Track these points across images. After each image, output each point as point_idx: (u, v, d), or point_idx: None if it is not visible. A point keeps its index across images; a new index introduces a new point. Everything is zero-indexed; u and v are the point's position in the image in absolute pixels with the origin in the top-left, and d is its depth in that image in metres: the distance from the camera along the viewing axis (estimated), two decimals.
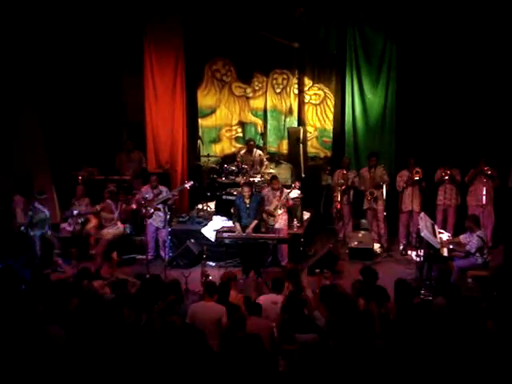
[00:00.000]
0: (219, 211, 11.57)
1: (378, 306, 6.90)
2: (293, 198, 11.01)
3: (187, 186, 11.29)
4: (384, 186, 11.22)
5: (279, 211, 10.56)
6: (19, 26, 11.64)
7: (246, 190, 9.93)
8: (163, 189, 11.01)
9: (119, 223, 10.69)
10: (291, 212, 10.99)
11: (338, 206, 11.43)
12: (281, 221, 10.55)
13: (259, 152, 12.27)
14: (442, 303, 6.71)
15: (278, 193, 10.67)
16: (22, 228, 10.28)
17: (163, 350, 5.94)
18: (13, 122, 11.91)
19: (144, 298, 7.13)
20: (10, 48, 11.64)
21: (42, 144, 12.28)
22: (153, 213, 10.62)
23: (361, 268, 7.99)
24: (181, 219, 11.89)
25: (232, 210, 10.33)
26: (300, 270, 9.22)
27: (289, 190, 10.79)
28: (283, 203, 10.57)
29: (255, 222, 9.90)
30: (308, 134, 13.02)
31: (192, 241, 10.91)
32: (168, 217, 10.82)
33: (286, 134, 12.94)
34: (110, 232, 10.56)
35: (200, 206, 12.06)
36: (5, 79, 11.74)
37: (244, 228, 9.88)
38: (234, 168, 11.86)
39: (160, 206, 10.67)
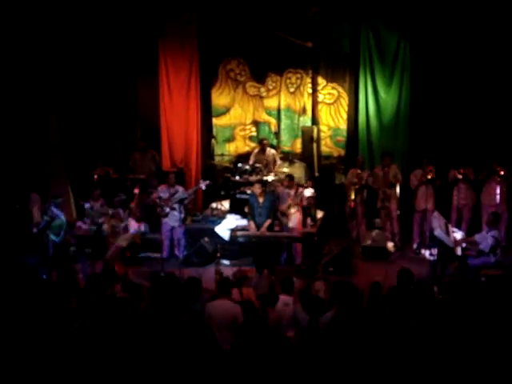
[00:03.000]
0: (233, 210, 11.62)
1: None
2: (307, 198, 11.05)
3: (203, 186, 11.34)
4: (397, 185, 11.24)
5: (292, 210, 10.59)
6: (36, 28, 11.80)
7: (258, 187, 10.06)
8: (179, 188, 11.07)
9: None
10: (305, 211, 11.01)
11: (352, 205, 11.47)
12: (294, 219, 10.56)
13: (273, 151, 12.31)
14: None
15: (291, 192, 10.72)
16: (35, 230, 10.32)
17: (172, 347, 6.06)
18: (29, 121, 12.06)
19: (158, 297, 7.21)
20: (27, 49, 11.80)
21: (58, 143, 12.41)
22: (168, 212, 10.70)
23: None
24: (195, 218, 11.95)
25: (246, 209, 10.39)
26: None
27: (302, 189, 10.83)
28: (297, 202, 10.59)
29: (269, 220, 9.99)
30: (322, 133, 13.04)
31: (206, 239, 10.95)
32: (182, 215, 10.89)
33: (300, 133, 12.97)
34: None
35: (214, 205, 12.11)
36: (22, 80, 11.90)
37: (257, 226, 9.97)
38: (247, 167, 11.91)
39: (176, 206, 10.75)
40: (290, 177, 10.93)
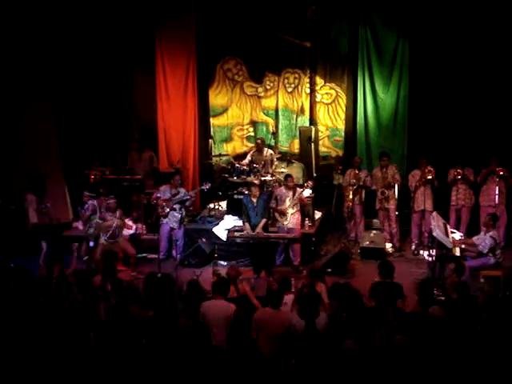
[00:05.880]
0: (231, 210, 11.56)
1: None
2: (305, 198, 10.99)
3: (205, 188, 11.27)
4: (396, 186, 11.19)
5: (291, 210, 10.50)
6: (31, 27, 11.72)
7: (254, 190, 10.07)
8: (181, 190, 10.97)
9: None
10: (304, 211, 10.95)
11: (350, 206, 11.43)
12: (293, 220, 10.48)
13: (270, 151, 12.24)
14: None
15: (290, 192, 10.61)
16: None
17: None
18: (26, 121, 11.99)
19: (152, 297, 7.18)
20: (24, 49, 11.73)
21: (55, 143, 12.36)
22: (168, 212, 10.63)
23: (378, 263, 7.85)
24: (192, 218, 11.89)
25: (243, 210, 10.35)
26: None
27: (302, 189, 10.74)
28: (295, 202, 10.52)
29: (264, 220, 9.97)
30: (319, 134, 13.00)
31: (203, 240, 10.90)
32: (182, 216, 10.82)
33: (298, 133, 12.91)
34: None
35: (211, 206, 12.05)
36: (19, 79, 11.83)
37: (253, 227, 9.93)
38: (245, 167, 11.84)
39: (176, 206, 10.68)
40: (289, 176, 10.81)
